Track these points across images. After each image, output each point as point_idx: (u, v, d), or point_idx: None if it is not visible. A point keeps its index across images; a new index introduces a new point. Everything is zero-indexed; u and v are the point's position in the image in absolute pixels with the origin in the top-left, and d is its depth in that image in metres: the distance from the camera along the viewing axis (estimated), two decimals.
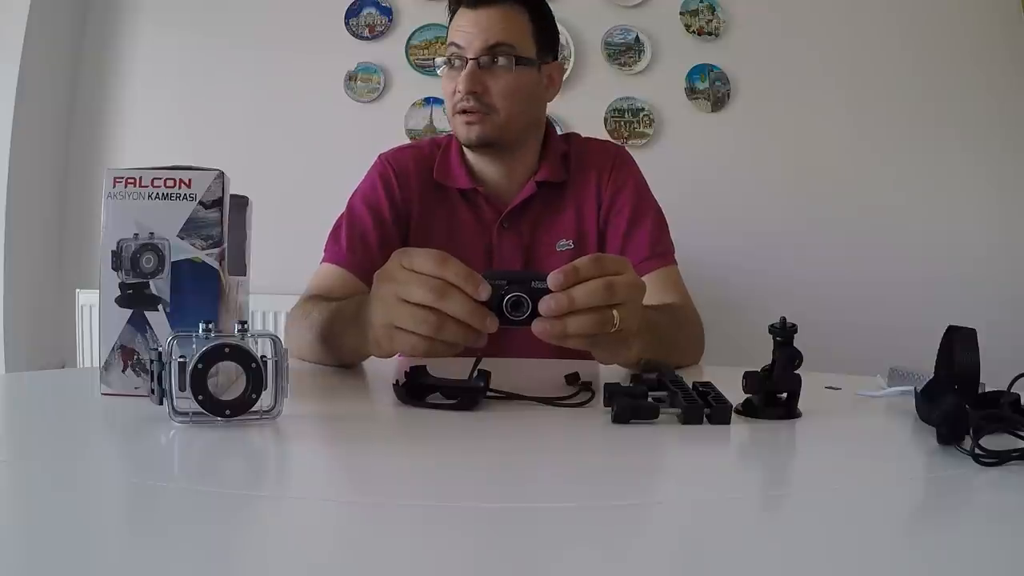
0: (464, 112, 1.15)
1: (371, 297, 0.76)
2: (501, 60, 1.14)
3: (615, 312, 0.70)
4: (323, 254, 1.18)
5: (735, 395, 0.68)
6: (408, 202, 1.21)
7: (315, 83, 2.25)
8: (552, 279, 0.68)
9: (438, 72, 1.22)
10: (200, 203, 0.68)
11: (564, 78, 2.15)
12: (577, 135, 1.31)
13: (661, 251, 1.18)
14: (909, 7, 2.25)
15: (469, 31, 1.14)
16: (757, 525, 0.45)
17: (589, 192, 1.22)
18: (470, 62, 1.14)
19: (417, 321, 0.69)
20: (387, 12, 2.27)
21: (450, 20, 1.19)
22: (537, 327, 0.69)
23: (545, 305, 0.68)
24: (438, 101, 2.25)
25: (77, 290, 2.11)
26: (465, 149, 1.23)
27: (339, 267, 1.14)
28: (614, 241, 1.20)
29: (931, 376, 0.71)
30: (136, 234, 0.68)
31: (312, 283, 1.14)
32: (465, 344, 0.70)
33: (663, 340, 0.92)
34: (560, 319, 0.68)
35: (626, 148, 1.31)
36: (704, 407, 0.65)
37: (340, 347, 0.89)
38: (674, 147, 2.25)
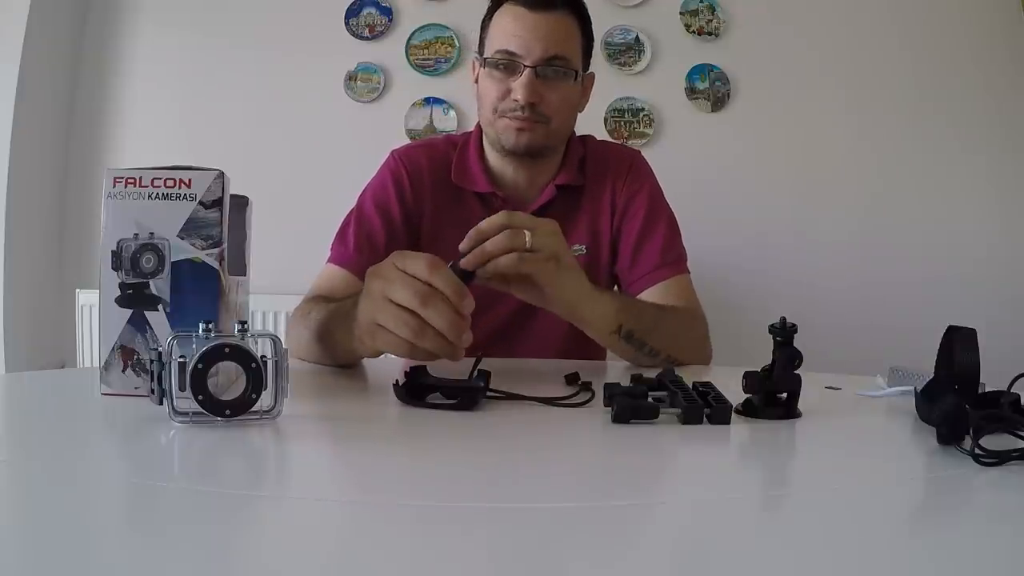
0: (516, 119, 1.12)
1: (362, 293, 0.77)
2: (558, 72, 1.12)
3: (525, 232, 0.79)
4: (329, 253, 1.16)
5: (735, 395, 0.68)
6: (420, 202, 1.19)
7: (315, 83, 2.25)
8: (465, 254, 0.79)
9: (475, 62, 1.19)
10: (200, 203, 0.68)
11: None
12: (592, 138, 1.29)
13: (672, 259, 1.17)
14: (909, 7, 2.25)
15: (527, 37, 1.10)
16: (757, 525, 0.45)
17: (604, 197, 1.21)
18: (527, 70, 1.10)
19: (399, 323, 0.71)
20: (387, 12, 2.27)
21: (491, 14, 1.17)
22: (464, 260, 0.79)
23: (463, 243, 0.80)
24: (438, 101, 2.25)
25: (77, 290, 2.11)
26: (487, 151, 1.21)
27: (344, 269, 1.12)
28: (626, 247, 1.19)
29: (931, 376, 0.71)
30: (136, 234, 0.68)
31: (316, 283, 1.13)
32: (441, 356, 0.73)
33: (643, 315, 0.96)
34: (479, 249, 0.79)
35: (641, 153, 1.29)
36: (704, 407, 0.65)
37: (335, 346, 0.89)
38: (674, 147, 2.25)
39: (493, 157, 1.21)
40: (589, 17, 1.19)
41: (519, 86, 1.11)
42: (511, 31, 1.12)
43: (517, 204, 1.19)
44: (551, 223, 0.85)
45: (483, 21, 1.20)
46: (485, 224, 0.80)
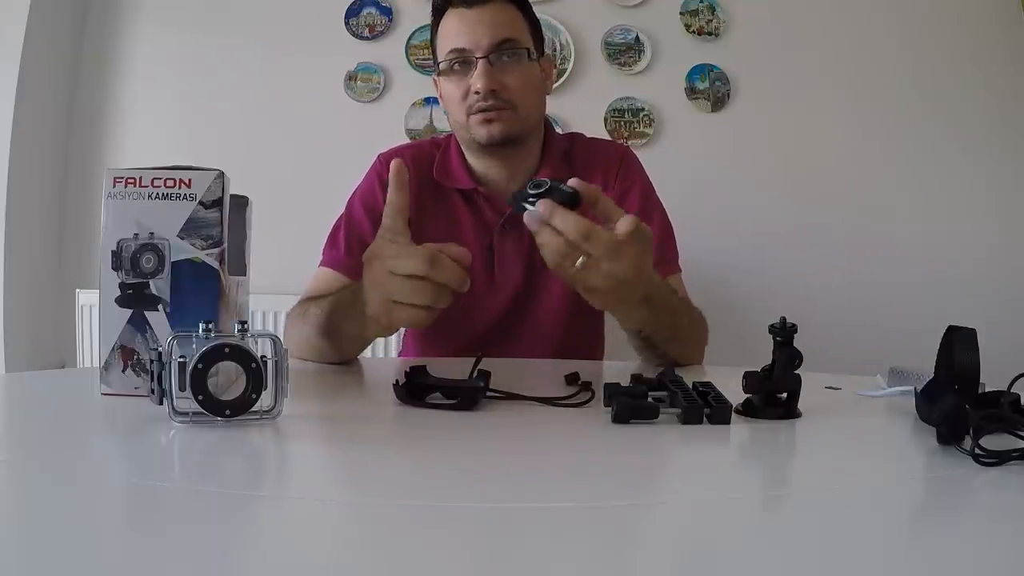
0: (482, 112, 1.12)
1: (364, 277, 0.78)
2: (512, 56, 1.13)
3: (583, 257, 0.73)
4: (320, 257, 1.17)
5: (735, 395, 0.68)
6: None
7: (315, 83, 2.25)
8: (576, 181, 0.76)
9: (436, 79, 1.20)
10: (200, 203, 0.68)
11: (564, 78, 2.18)
12: (581, 135, 1.29)
13: (667, 258, 1.17)
14: (909, 7, 2.25)
15: (472, 31, 1.11)
16: (757, 525, 0.45)
17: None
18: (481, 61, 1.11)
19: (414, 292, 0.73)
20: (387, 12, 2.27)
21: (436, 27, 1.17)
22: (527, 215, 0.75)
23: (540, 204, 0.73)
24: (438, 101, 2.25)
25: (77, 290, 2.11)
26: (465, 152, 1.21)
27: (336, 271, 1.13)
28: None
29: (931, 376, 0.71)
30: (136, 234, 0.68)
31: (310, 286, 1.14)
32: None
33: (665, 326, 0.94)
34: (541, 223, 0.73)
35: (631, 149, 1.29)
36: (704, 407, 0.65)
37: (341, 336, 0.90)
38: (674, 147, 2.25)
39: (471, 157, 1.21)
40: (529, 3, 1.19)
41: (476, 77, 1.11)
42: (456, 31, 1.13)
43: (499, 200, 1.19)
44: (629, 254, 0.76)
45: (430, 38, 1.21)
46: (600, 202, 0.77)
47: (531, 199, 0.75)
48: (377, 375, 0.92)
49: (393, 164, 0.77)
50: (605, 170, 1.21)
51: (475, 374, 0.71)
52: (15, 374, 1.65)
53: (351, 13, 2.26)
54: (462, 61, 1.13)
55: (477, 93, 1.11)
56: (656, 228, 1.17)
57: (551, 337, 1.17)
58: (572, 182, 0.76)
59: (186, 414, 0.58)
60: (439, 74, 1.18)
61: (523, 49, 1.14)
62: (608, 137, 2.17)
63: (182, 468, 0.53)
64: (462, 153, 1.22)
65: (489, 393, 0.71)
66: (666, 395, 0.70)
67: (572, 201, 0.75)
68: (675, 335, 0.97)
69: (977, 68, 2.24)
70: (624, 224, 0.73)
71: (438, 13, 1.17)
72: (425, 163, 1.22)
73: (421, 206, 1.19)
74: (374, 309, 0.77)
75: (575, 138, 1.28)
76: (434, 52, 1.20)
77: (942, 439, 0.57)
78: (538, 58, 1.19)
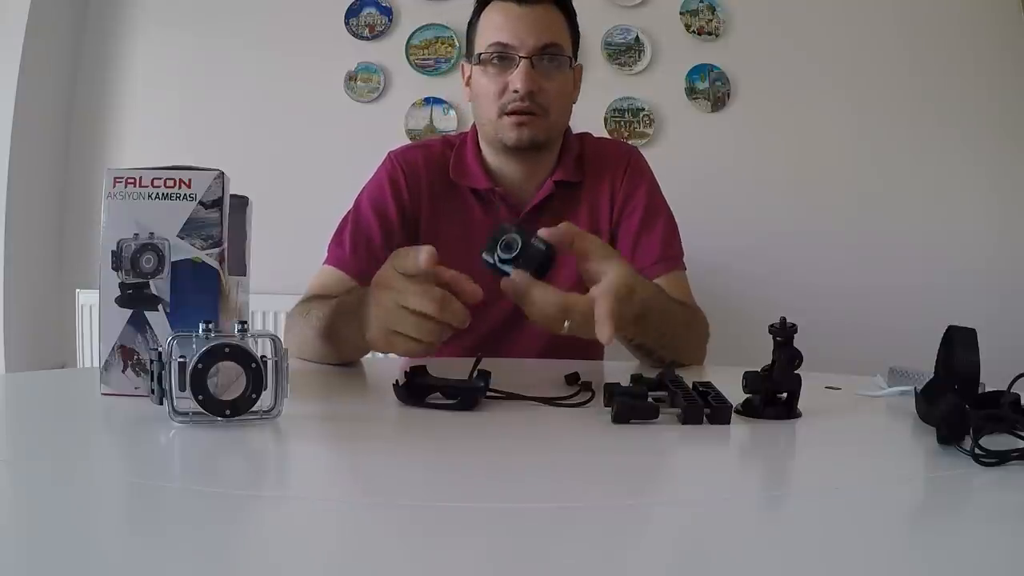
0: (516, 113, 1.12)
1: (370, 301, 0.77)
2: (553, 60, 1.12)
3: (567, 323, 0.71)
4: (325, 254, 1.17)
5: (735, 395, 0.68)
6: (417, 202, 1.19)
7: (315, 83, 2.25)
8: (545, 231, 0.72)
9: (466, 66, 1.19)
10: (200, 203, 0.68)
11: None
12: (589, 135, 1.30)
13: (671, 255, 1.17)
14: (909, 7, 2.25)
15: (519, 28, 1.10)
16: (757, 525, 0.45)
17: (603, 192, 1.21)
18: (523, 61, 1.10)
19: (419, 329, 0.72)
20: (387, 12, 2.27)
21: (478, 14, 1.16)
22: (504, 282, 0.71)
23: (516, 275, 0.70)
24: (438, 101, 2.25)
25: (77, 290, 2.11)
26: (484, 149, 1.21)
27: (341, 270, 1.13)
28: (625, 242, 1.19)
29: (931, 376, 0.71)
30: (136, 234, 0.68)
31: (313, 283, 1.14)
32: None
33: (657, 329, 0.93)
34: (519, 296, 0.71)
35: (638, 149, 1.29)
36: (704, 407, 0.65)
37: (341, 342, 0.90)
38: (674, 147, 2.25)
39: (490, 155, 1.20)
40: (574, 11, 1.19)
41: (517, 77, 1.10)
42: (501, 25, 1.12)
43: (515, 200, 1.19)
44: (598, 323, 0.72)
45: (469, 23, 1.20)
46: (575, 243, 0.74)
47: (505, 263, 0.71)
48: (377, 375, 0.92)
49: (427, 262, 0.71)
50: (613, 170, 1.22)
51: (475, 374, 0.71)
52: (15, 374, 1.65)
53: (351, 13, 2.26)
54: (503, 56, 1.12)
55: (516, 92, 1.11)
56: (661, 227, 1.19)
57: (554, 336, 1.17)
58: (542, 233, 0.72)
59: (186, 414, 0.58)
60: (475, 63, 1.16)
61: (565, 56, 1.14)
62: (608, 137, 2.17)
63: (182, 468, 0.53)
64: (479, 152, 1.21)
65: (489, 393, 0.71)
66: (666, 395, 0.70)
67: (547, 259, 0.71)
68: (667, 339, 0.96)
69: (977, 68, 2.24)
70: (601, 312, 0.70)
71: (481, 3, 1.16)
72: (438, 163, 1.21)
73: (434, 206, 1.19)
74: (373, 335, 0.76)
75: (584, 139, 1.28)
76: (470, 40, 1.19)
77: (942, 439, 0.57)
78: (573, 65, 1.19)
